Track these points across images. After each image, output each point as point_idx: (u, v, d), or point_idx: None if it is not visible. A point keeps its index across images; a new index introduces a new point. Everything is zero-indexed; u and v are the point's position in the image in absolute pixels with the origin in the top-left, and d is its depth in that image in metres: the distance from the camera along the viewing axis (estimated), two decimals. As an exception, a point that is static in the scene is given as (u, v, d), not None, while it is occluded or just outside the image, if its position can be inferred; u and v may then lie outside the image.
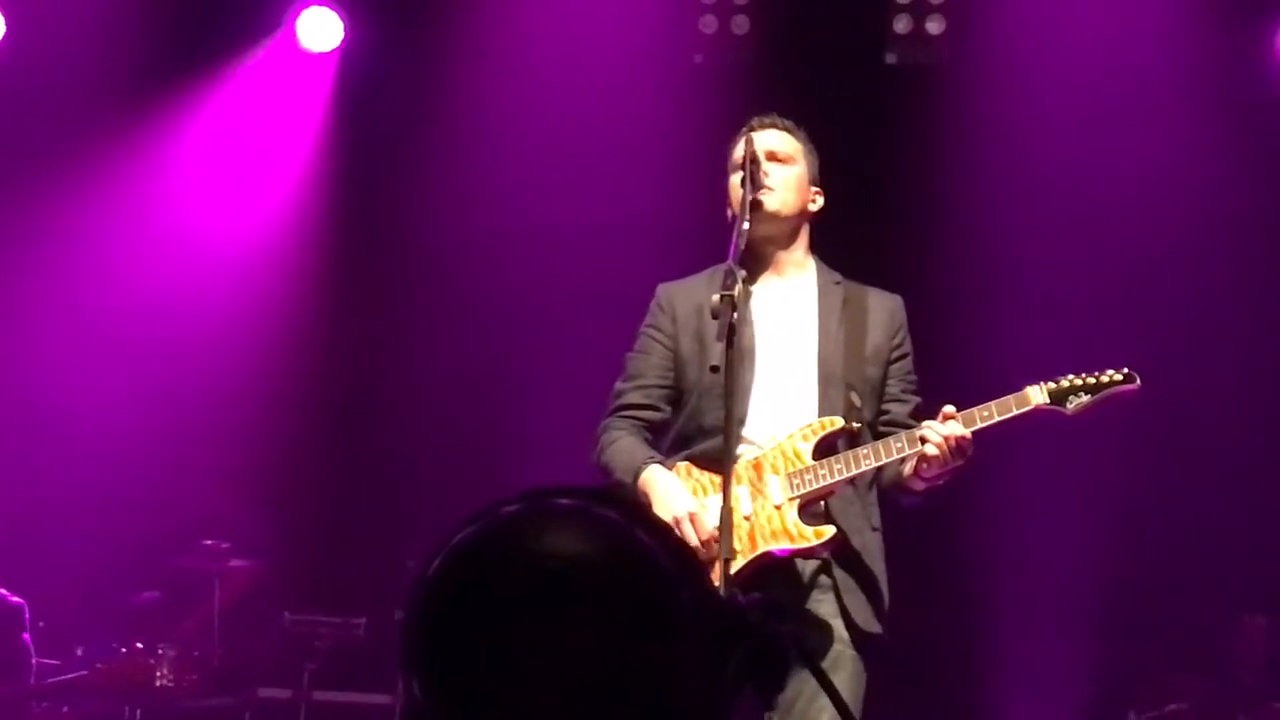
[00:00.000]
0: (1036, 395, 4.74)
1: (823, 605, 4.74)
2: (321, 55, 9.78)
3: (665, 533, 2.34)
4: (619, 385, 4.99)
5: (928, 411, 4.78)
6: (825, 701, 4.53)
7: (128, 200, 9.72)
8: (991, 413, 4.72)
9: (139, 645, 8.38)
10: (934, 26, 9.36)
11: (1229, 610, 9.16)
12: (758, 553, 4.65)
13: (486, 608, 2.21)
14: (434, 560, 2.29)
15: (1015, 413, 4.74)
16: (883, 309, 5.00)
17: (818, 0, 9.62)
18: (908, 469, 4.75)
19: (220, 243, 9.88)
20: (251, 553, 9.09)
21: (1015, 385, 4.83)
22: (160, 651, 8.36)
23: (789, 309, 4.91)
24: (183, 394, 9.69)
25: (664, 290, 5.04)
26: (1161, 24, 8.94)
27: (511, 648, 2.18)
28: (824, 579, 4.75)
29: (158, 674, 8.20)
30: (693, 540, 4.49)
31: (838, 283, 5.01)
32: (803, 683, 4.51)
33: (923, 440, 4.66)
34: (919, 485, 4.79)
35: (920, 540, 5.01)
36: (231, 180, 9.96)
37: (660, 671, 2.17)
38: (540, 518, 2.28)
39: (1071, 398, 4.75)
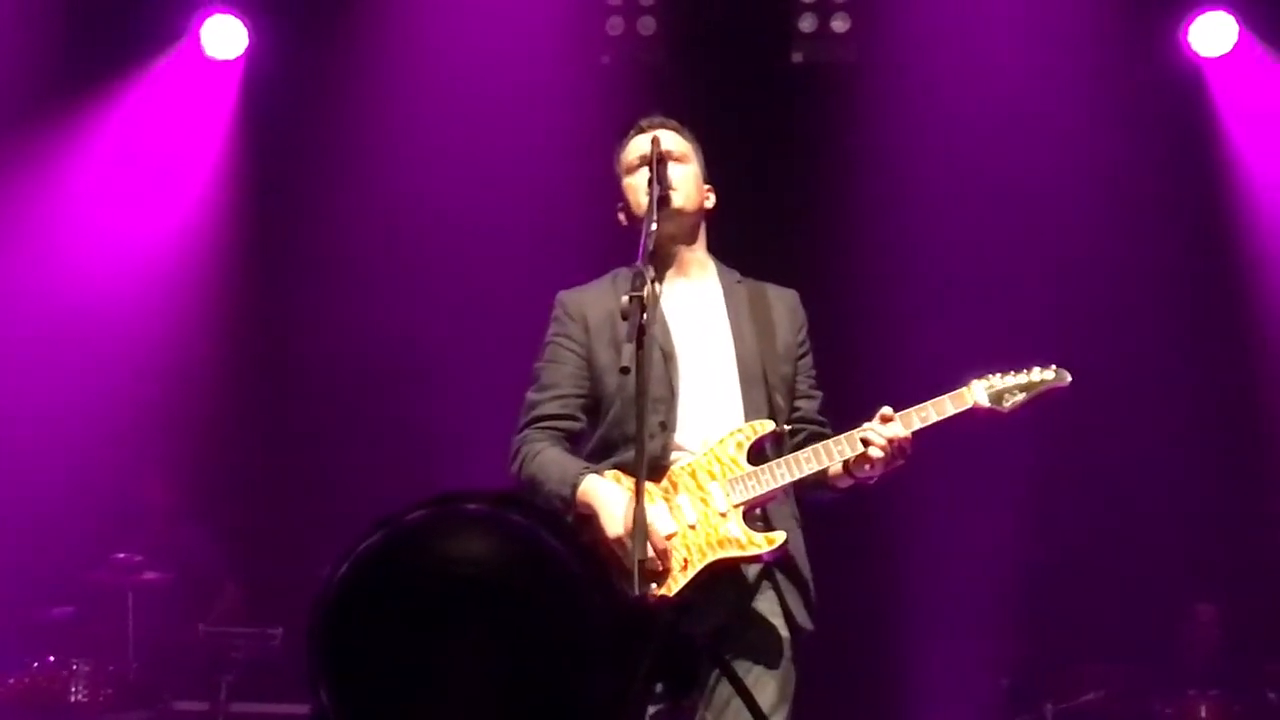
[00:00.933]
0: (974, 395, 4.76)
1: (764, 605, 4.73)
2: (226, 62, 9.73)
3: (573, 536, 2.34)
4: (532, 396, 4.93)
5: (841, 410, 4.78)
6: (763, 697, 4.55)
7: (34, 212, 9.63)
8: (929, 413, 4.72)
9: (51, 660, 8.30)
10: (839, 25, 9.40)
11: (1152, 599, 9.24)
12: (707, 561, 4.63)
13: (394, 613, 2.20)
14: (340, 567, 2.28)
15: (952, 412, 4.75)
16: (784, 305, 5.00)
17: (724, 0, 9.63)
18: (836, 467, 4.75)
19: (129, 252, 9.80)
20: (166, 565, 9.03)
21: (933, 380, 4.85)
22: (74, 666, 8.28)
23: (700, 310, 4.90)
24: (93, 407, 9.59)
25: (568, 298, 4.99)
26: (1067, 18, 9.01)
27: (419, 653, 2.17)
28: (766, 580, 4.74)
29: (72, 688, 8.12)
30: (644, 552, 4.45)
31: (739, 281, 5.01)
32: (742, 678, 4.53)
33: (865, 443, 4.67)
34: (846, 484, 4.79)
35: (834, 534, 5.00)
36: (139, 188, 9.88)
37: (569, 673, 2.17)
38: (447, 523, 2.27)
39: (1007, 396, 4.77)
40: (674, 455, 4.71)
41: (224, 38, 9.63)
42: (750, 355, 4.84)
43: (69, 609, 8.98)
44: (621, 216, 4.96)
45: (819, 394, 4.99)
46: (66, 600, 9.02)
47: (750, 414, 4.78)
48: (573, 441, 4.88)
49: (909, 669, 9.14)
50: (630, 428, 4.60)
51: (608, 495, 4.58)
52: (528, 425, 4.88)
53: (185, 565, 9.36)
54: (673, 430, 4.72)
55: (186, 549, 9.50)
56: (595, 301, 4.92)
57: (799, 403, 4.92)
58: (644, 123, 5.02)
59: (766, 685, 4.63)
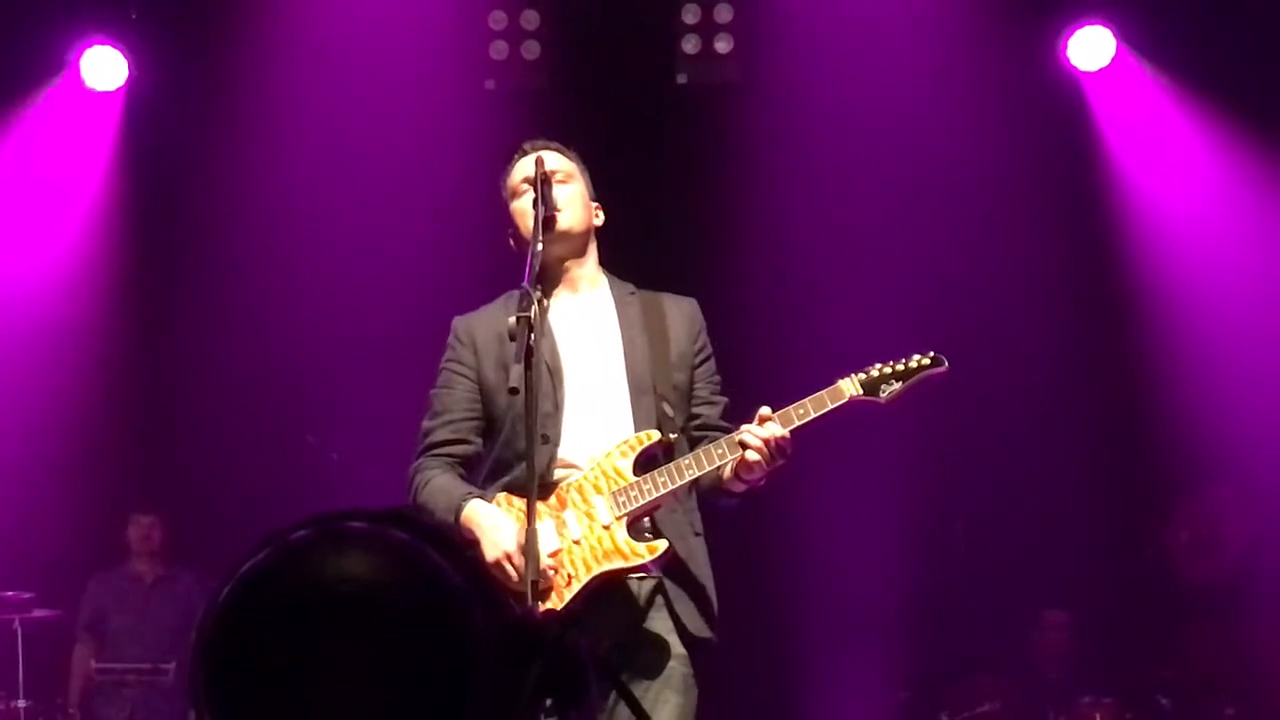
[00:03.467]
0: (849, 387, 4.77)
1: (657, 621, 4.73)
2: (107, 94, 9.66)
3: (458, 552, 2.34)
4: (426, 424, 4.93)
5: (744, 414, 4.79)
6: (663, 713, 4.55)
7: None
8: (807, 410, 4.73)
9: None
10: (722, 46, 9.46)
11: (1032, 608, 9.33)
12: (592, 575, 4.62)
13: (277, 634, 2.19)
14: (222, 589, 2.27)
15: (830, 407, 4.76)
16: (680, 314, 5.01)
17: (608, 25, 9.64)
18: (727, 472, 4.76)
19: (11, 286, 9.70)
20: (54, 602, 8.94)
21: (824, 381, 4.87)
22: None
23: (589, 323, 4.90)
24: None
25: (460, 323, 5.00)
26: (948, 33, 9.10)
27: (303, 673, 2.16)
28: (658, 594, 4.74)
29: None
30: (516, 576, 4.45)
31: (633, 293, 5.02)
32: (641, 698, 4.53)
33: (743, 445, 4.67)
34: (739, 488, 4.80)
35: (726, 546, 5.01)
36: (22, 221, 9.78)
37: (455, 689, 2.16)
38: (330, 541, 2.26)
39: (883, 386, 4.78)
40: (559, 471, 4.71)
41: (104, 69, 9.56)
42: (640, 364, 4.84)
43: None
44: (511, 241, 4.98)
45: (722, 399, 4.99)
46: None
47: (641, 424, 4.78)
48: (467, 466, 4.88)
49: (806, 684, 9.18)
50: (521, 446, 4.62)
51: (488, 520, 4.59)
52: (422, 453, 4.89)
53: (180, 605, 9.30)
54: (556, 444, 4.71)
55: (182, 590, 9.42)
56: (484, 324, 4.93)
57: (700, 409, 4.93)
58: (527, 145, 5.03)
59: (667, 701, 4.63)
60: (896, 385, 4.80)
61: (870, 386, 4.78)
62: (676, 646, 4.71)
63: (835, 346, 8.48)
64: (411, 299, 5.26)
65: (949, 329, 9.05)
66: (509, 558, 4.46)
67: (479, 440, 4.88)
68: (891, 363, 4.83)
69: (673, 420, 4.86)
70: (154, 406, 9.89)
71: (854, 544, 8.92)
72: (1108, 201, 9.43)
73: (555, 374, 4.74)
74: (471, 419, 4.88)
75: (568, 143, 5.10)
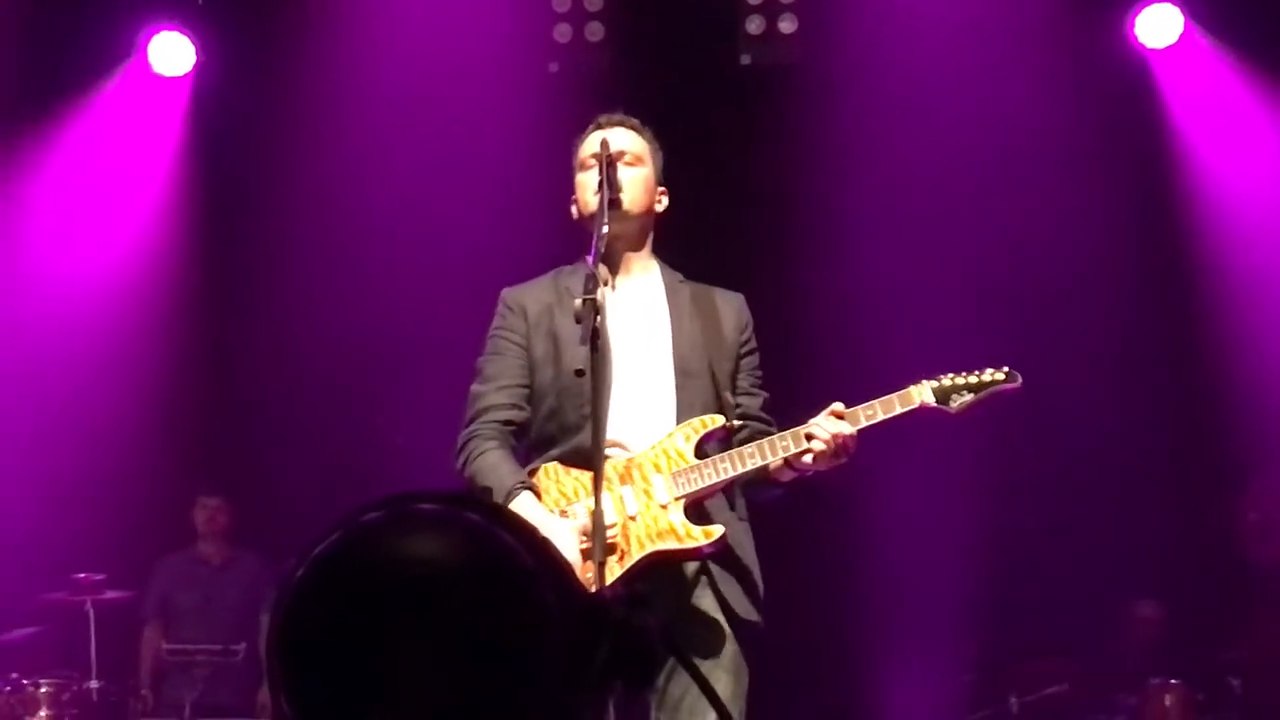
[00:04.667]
0: (921, 394, 4.77)
1: (704, 600, 4.74)
2: (174, 79, 9.74)
3: (529, 533, 2.35)
4: (477, 389, 4.93)
5: (812, 411, 4.78)
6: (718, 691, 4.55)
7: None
8: (876, 411, 4.74)
9: (15, 675, 8.28)
10: (786, 26, 9.43)
11: (1104, 594, 9.29)
12: (644, 553, 4.63)
13: (350, 616, 2.20)
14: (296, 571, 2.28)
15: (899, 411, 4.77)
16: (729, 306, 5.02)
17: (671, 5, 9.65)
18: (777, 462, 4.76)
19: (85, 274, 9.80)
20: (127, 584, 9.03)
21: (884, 372, 4.86)
22: (37, 687, 8.25)
23: (640, 305, 4.91)
24: (52, 427, 9.60)
25: (510, 293, 5.01)
26: (1014, 12, 9.05)
27: (377, 655, 2.18)
28: (703, 575, 4.75)
29: (37, 710, 8.10)
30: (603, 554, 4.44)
31: (683, 282, 5.03)
32: (689, 681, 4.53)
33: (809, 438, 4.68)
34: (787, 477, 4.80)
35: (794, 530, 5.02)
36: (94, 209, 9.89)
37: (525, 671, 2.17)
38: (402, 523, 2.28)
39: (955, 396, 4.78)
40: (607, 450, 4.70)
41: (172, 55, 9.64)
42: (689, 349, 4.86)
43: (31, 630, 8.96)
44: (573, 210, 4.98)
45: (763, 393, 5.00)
46: (27, 622, 9.00)
47: (684, 407, 4.80)
48: (518, 434, 4.87)
49: (873, 666, 9.16)
50: (568, 420, 4.75)
51: (538, 521, 4.53)
52: (474, 420, 4.88)
53: (245, 589, 9.39)
54: (605, 425, 4.71)
55: (247, 576, 9.51)
56: (535, 296, 4.95)
57: (741, 399, 4.94)
58: (602, 119, 5.03)
59: (718, 681, 4.64)
60: (969, 397, 4.80)
61: (942, 395, 4.79)
62: (723, 625, 4.72)
63: (896, 335, 8.49)
64: (476, 281, 5.25)
65: (1016, 312, 9.04)
66: None
67: (529, 408, 4.88)
68: (965, 374, 4.83)
69: (733, 407, 4.87)
70: (222, 389, 9.96)
71: (921, 525, 8.90)
72: (1175, 180, 9.36)
73: (603, 353, 4.73)
74: (523, 386, 4.87)
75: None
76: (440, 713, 2.20)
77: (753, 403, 4.95)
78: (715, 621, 4.71)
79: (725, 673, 4.68)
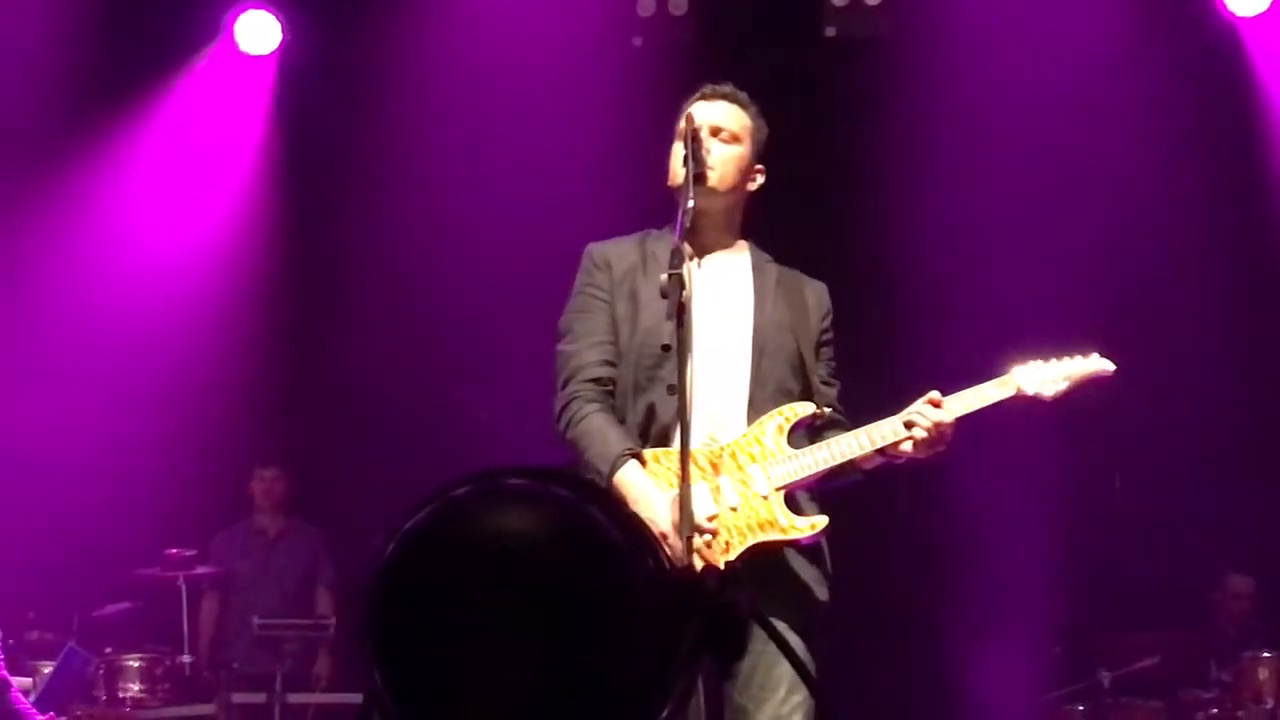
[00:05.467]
0: (1018, 381, 4.74)
1: (782, 580, 4.71)
2: (261, 58, 9.81)
3: (619, 507, 2.35)
4: (567, 348, 4.85)
5: (893, 397, 4.75)
6: (784, 670, 4.51)
7: (82, 217, 9.74)
8: (973, 399, 4.69)
9: (108, 650, 8.38)
10: (871, -2, 9.37)
11: (1196, 567, 9.22)
12: (749, 543, 4.60)
13: (441, 591, 2.22)
14: (387, 546, 2.30)
15: (997, 399, 4.72)
16: (812, 293, 4.97)
17: (755, -23, 9.62)
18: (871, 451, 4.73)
19: (173, 252, 9.90)
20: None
21: (970, 367, 4.83)
22: (130, 661, 8.35)
23: (724, 284, 4.86)
24: (144, 404, 9.69)
25: (596, 249, 4.93)
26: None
27: (467, 630, 2.19)
28: (778, 555, 4.72)
29: (130, 685, 8.19)
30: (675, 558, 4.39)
31: (770, 262, 4.98)
32: (759, 655, 4.50)
33: (908, 426, 4.65)
34: (872, 465, 4.77)
35: (884, 505, 4.99)
36: (183, 187, 9.98)
37: (614, 645, 2.18)
38: (491, 498, 2.28)
39: (1050, 384, 4.74)
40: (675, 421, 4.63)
41: (258, 33, 9.71)
42: (770, 330, 4.81)
43: (125, 605, 9.07)
44: (668, 177, 4.91)
45: (836, 383, 4.95)
46: (121, 597, 9.11)
47: (757, 387, 4.75)
48: (612, 393, 4.82)
49: (962, 641, 9.13)
50: (634, 381, 4.69)
51: (641, 492, 4.51)
52: (569, 380, 4.81)
53: (300, 561, 9.50)
54: (687, 397, 4.66)
55: (303, 546, 9.62)
56: (620, 254, 4.87)
57: (820, 387, 4.90)
58: (708, 90, 4.96)
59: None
60: (1064, 385, 4.75)
61: (1037, 382, 4.74)
62: (800, 604, 4.69)
63: (985, 318, 8.42)
64: (559, 257, 5.24)
65: (1104, 294, 8.96)
66: (664, 537, 4.34)
67: (619, 364, 4.84)
68: (1060, 360, 4.78)
69: (825, 394, 4.84)
70: (309, 366, 10.04)
71: (1009, 499, 8.85)
72: (1267, 151, 9.24)
73: (688, 328, 4.68)
74: (613, 343, 4.81)
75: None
76: (531, 685, 2.21)
77: (829, 392, 4.90)
78: (790, 600, 4.68)
79: (796, 650, 4.64)
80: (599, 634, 2.18)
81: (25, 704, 8.01)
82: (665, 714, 2.21)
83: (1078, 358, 4.80)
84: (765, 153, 4.99)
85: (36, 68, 9.36)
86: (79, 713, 8.04)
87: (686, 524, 4.21)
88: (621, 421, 4.72)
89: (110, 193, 9.85)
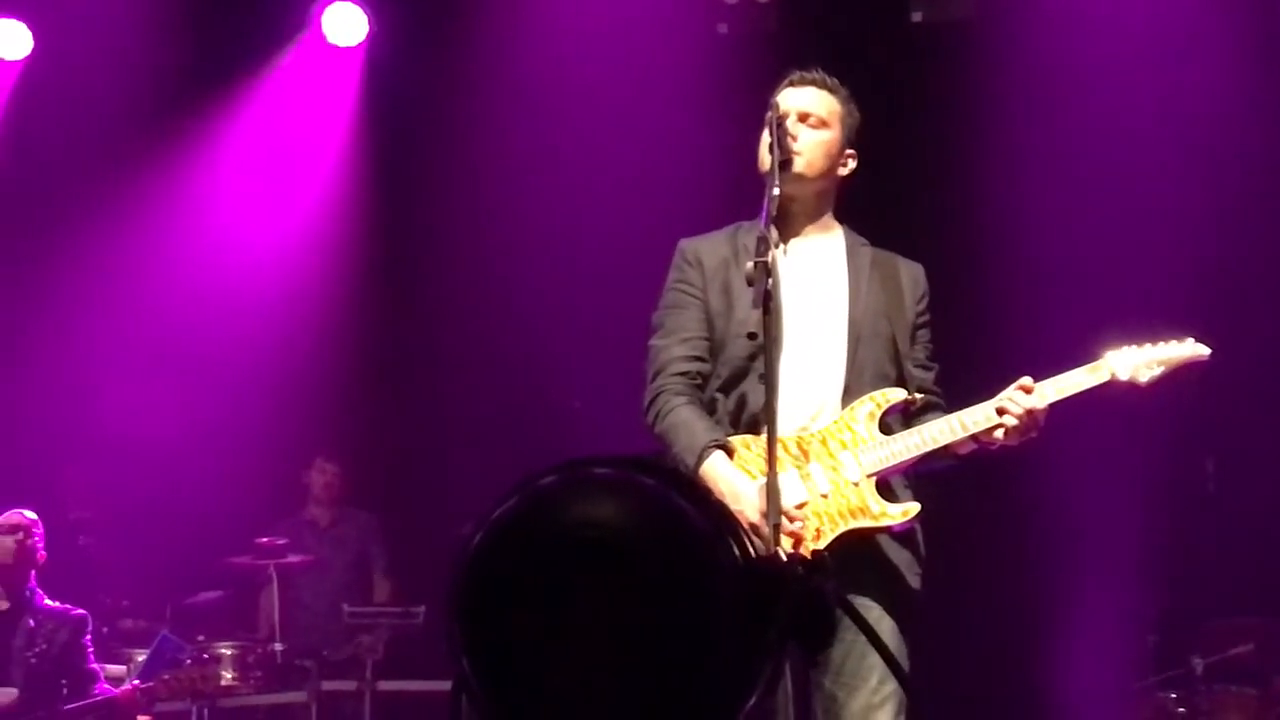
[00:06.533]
0: (1111, 367, 4.70)
1: (874, 566, 4.69)
2: (348, 50, 9.88)
3: (704, 495, 2.35)
4: (658, 343, 4.86)
5: (985, 383, 4.72)
6: (876, 659, 4.49)
7: (171, 210, 9.84)
8: (1066, 385, 4.66)
9: (201, 638, 8.45)
10: (958, -19, 9.32)
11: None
12: (840, 530, 4.58)
13: (528, 579, 2.23)
14: (475, 535, 2.31)
15: (1090, 385, 4.68)
16: (908, 275, 4.95)
17: (840, -38, 9.57)
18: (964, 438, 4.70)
19: (263, 243, 9.99)
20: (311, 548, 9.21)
21: (1061, 344, 4.79)
22: (223, 649, 8.42)
23: (817, 270, 4.85)
24: (232, 394, 9.79)
25: (687, 245, 4.95)
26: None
27: (553, 617, 2.20)
28: (871, 542, 4.70)
29: (222, 673, 8.25)
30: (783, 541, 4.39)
31: (864, 245, 4.97)
32: (850, 643, 4.50)
33: (1000, 413, 4.62)
34: (965, 450, 4.74)
35: (974, 491, 4.96)
36: (272, 180, 10.06)
37: (700, 633, 2.18)
38: (577, 487, 2.30)
39: (1145, 370, 4.70)
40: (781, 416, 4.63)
41: (345, 25, 9.78)
42: (865, 314, 4.79)
43: (216, 593, 9.15)
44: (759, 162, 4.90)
45: (935, 365, 4.94)
46: (213, 586, 9.19)
47: (853, 373, 4.73)
48: (702, 387, 4.83)
49: (1053, 629, 9.08)
50: (731, 373, 4.69)
51: (727, 483, 4.50)
52: (658, 374, 4.82)
53: (352, 549, 9.57)
54: (775, 384, 4.65)
55: (354, 533, 9.70)
56: (711, 248, 4.89)
57: (916, 372, 4.87)
58: (795, 76, 4.95)
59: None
60: (1158, 371, 4.71)
61: (1133, 369, 4.70)
62: (891, 589, 4.67)
63: (1078, 300, 8.35)
64: (646, 245, 5.25)
65: (1199, 278, 8.85)
66: (754, 528, 4.26)
67: (710, 360, 4.84)
68: (1155, 345, 4.74)
69: (922, 377, 4.82)
70: (400, 356, 10.10)
71: (1099, 484, 8.78)
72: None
73: (775, 313, 4.67)
74: (705, 339, 4.81)
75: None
76: (618, 671, 2.22)
77: (926, 376, 4.88)
78: (881, 586, 4.67)
79: (886, 638, 4.61)
80: (685, 621, 2.19)
81: (113, 691, 8.10)
82: (752, 700, 2.22)
83: (1172, 343, 4.75)
84: (857, 138, 4.97)
85: (128, 64, 9.46)
86: (166, 675, 8.09)
87: (774, 511, 4.19)
88: (713, 414, 4.73)
89: (201, 186, 9.95)
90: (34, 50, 9.78)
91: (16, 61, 9.85)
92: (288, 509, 9.80)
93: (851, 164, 4.96)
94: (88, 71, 9.54)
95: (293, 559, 9.01)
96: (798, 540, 4.47)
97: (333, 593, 9.42)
